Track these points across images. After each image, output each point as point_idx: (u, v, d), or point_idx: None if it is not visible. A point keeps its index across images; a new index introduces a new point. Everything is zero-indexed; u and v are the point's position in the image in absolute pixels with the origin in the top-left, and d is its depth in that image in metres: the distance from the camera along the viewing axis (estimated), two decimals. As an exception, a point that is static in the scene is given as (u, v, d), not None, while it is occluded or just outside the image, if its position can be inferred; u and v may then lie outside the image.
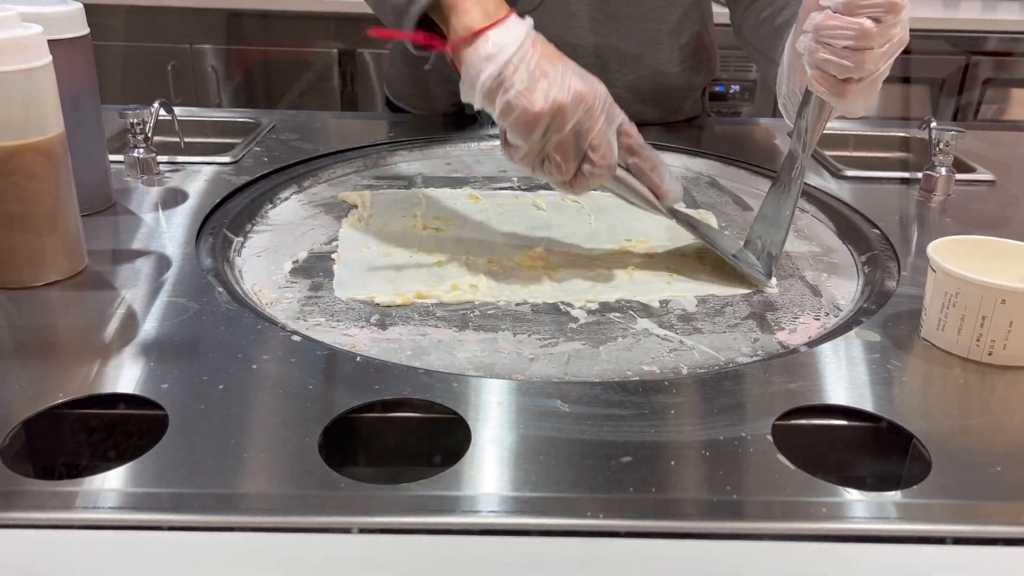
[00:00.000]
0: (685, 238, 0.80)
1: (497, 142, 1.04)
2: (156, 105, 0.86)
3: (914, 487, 0.44)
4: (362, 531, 0.40)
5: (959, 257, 0.57)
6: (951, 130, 0.88)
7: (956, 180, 0.90)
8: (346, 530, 0.40)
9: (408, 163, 1.00)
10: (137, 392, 0.50)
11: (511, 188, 0.93)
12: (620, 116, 0.68)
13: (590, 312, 0.65)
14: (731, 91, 2.19)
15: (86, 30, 0.73)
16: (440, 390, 0.51)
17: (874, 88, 0.65)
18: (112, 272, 0.66)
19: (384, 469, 0.52)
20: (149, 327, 0.58)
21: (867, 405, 0.51)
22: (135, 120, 0.85)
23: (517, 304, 0.66)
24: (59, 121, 0.62)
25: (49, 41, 0.61)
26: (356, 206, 0.85)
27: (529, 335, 0.62)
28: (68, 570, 0.38)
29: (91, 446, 0.50)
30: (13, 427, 0.46)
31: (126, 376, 0.52)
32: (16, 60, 0.58)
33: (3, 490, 0.42)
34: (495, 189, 0.92)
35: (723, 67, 2.16)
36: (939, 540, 0.42)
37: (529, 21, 0.66)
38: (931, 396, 0.54)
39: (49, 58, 0.61)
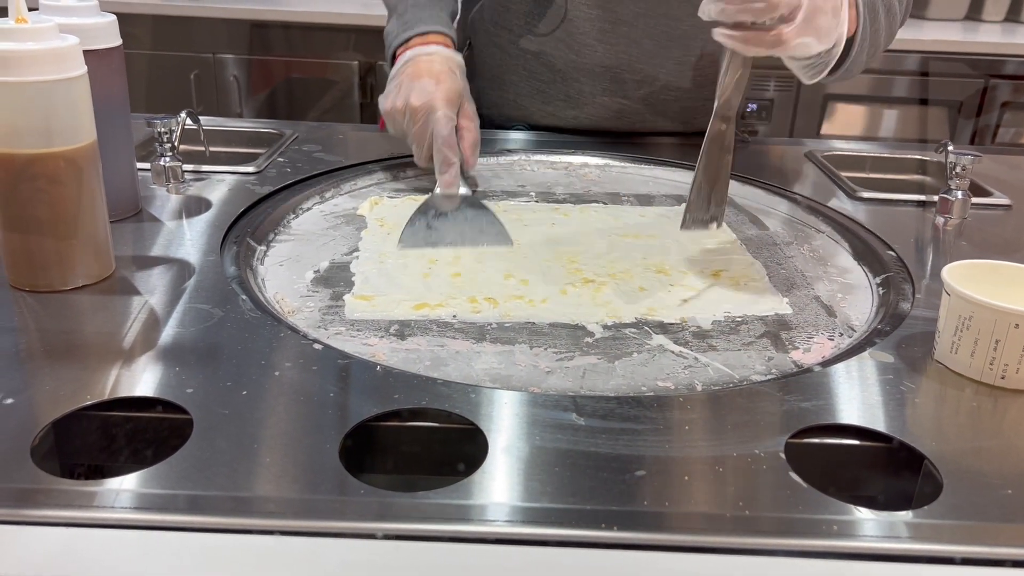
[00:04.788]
0: (702, 256, 0.80)
1: (515, 157, 1.07)
2: (183, 115, 0.88)
3: (925, 507, 0.45)
4: (386, 537, 0.41)
5: (974, 281, 0.58)
6: (968, 154, 0.88)
7: (972, 204, 0.90)
8: (367, 536, 0.41)
9: (429, 176, 1.01)
10: (163, 396, 0.51)
11: (528, 202, 0.94)
12: (449, 122, 0.88)
13: (606, 327, 0.66)
14: (747, 110, 2.20)
15: (119, 41, 0.75)
16: (458, 400, 0.52)
17: (808, 25, 0.70)
18: (139, 277, 0.67)
19: (401, 477, 0.52)
20: (174, 332, 0.59)
21: (880, 425, 0.52)
22: (162, 129, 0.87)
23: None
24: (92, 129, 0.64)
25: (84, 52, 0.63)
26: (377, 220, 0.86)
27: (545, 348, 0.63)
28: (89, 568, 0.39)
29: (118, 447, 0.51)
30: (42, 427, 0.48)
31: (152, 380, 0.53)
32: (54, 70, 0.59)
33: (32, 488, 0.43)
34: (513, 203, 0.93)
35: (740, 86, 2.18)
36: (949, 560, 0.42)
37: (413, 52, 0.93)
38: (944, 418, 0.54)
39: (84, 68, 0.62)
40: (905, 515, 0.44)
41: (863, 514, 0.44)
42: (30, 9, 0.61)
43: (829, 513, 0.44)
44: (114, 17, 0.74)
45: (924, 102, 2.25)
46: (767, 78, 2.18)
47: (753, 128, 2.23)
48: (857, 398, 0.55)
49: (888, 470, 0.51)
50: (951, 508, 0.45)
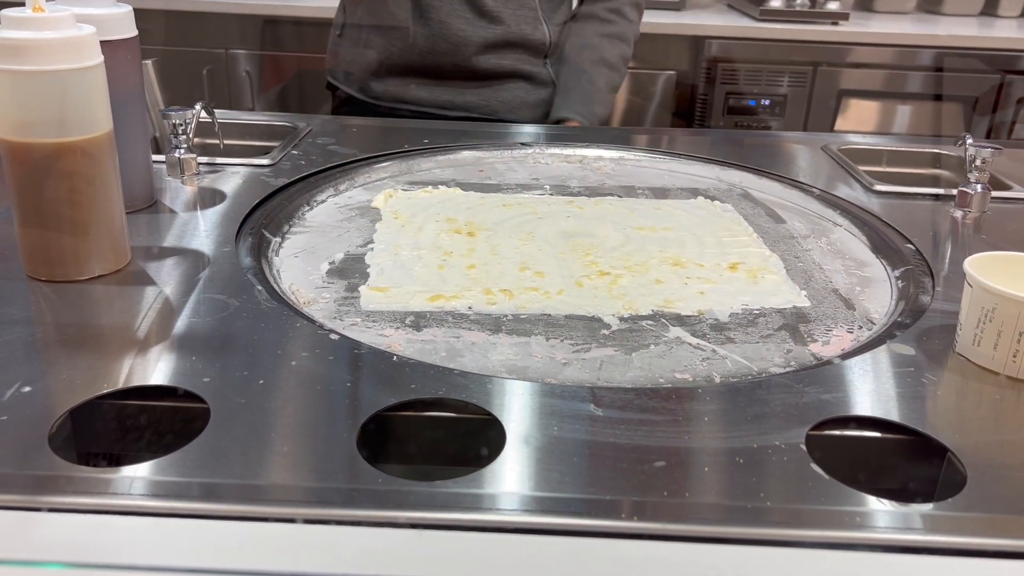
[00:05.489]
0: (719, 249, 0.80)
1: (529, 150, 1.06)
2: (198, 107, 0.88)
3: (948, 500, 0.44)
4: (405, 525, 0.41)
5: (995, 273, 0.57)
6: (988, 147, 0.87)
7: (991, 197, 0.89)
8: (387, 524, 0.41)
9: (442, 169, 1.01)
10: (180, 385, 0.51)
11: (543, 194, 0.94)
12: None
13: (622, 319, 0.66)
14: (761, 104, 2.19)
15: (135, 32, 0.75)
16: (475, 391, 0.52)
17: None
18: (154, 268, 0.67)
19: (418, 467, 0.52)
20: (190, 322, 0.59)
21: (902, 418, 0.51)
22: (177, 121, 0.87)
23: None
24: (108, 120, 0.64)
25: (100, 42, 0.63)
26: (391, 213, 0.86)
27: (561, 340, 0.62)
28: (105, 555, 0.39)
29: (135, 436, 0.51)
30: (60, 416, 0.48)
31: (169, 369, 0.53)
32: (70, 59, 0.59)
33: (49, 475, 0.43)
34: (527, 195, 0.93)
35: (753, 82, 2.17)
36: (973, 553, 0.41)
37: None
38: (966, 410, 0.54)
39: (101, 58, 0.62)
40: (928, 507, 0.44)
41: (885, 506, 0.44)
42: (47, -1, 0.61)
43: (851, 505, 0.43)
44: (130, 7, 0.74)
45: (939, 98, 2.23)
46: (780, 74, 2.16)
47: (766, 124, 2.22)
48: (878, 390, 0.54)
49: (910, 462, 0.50)
50: (975, 501, 0.44)
